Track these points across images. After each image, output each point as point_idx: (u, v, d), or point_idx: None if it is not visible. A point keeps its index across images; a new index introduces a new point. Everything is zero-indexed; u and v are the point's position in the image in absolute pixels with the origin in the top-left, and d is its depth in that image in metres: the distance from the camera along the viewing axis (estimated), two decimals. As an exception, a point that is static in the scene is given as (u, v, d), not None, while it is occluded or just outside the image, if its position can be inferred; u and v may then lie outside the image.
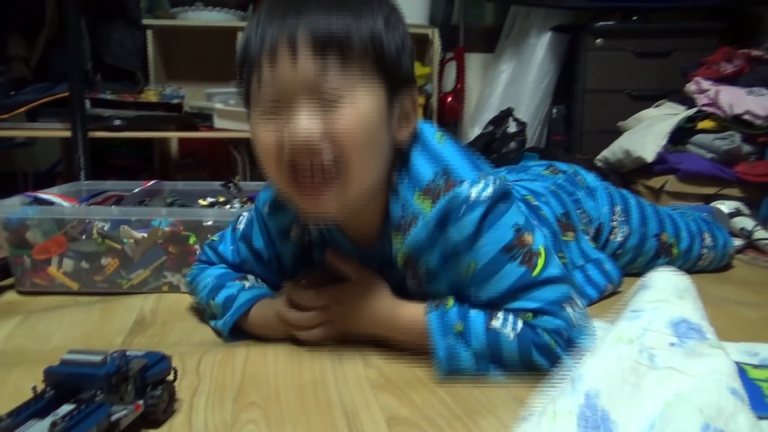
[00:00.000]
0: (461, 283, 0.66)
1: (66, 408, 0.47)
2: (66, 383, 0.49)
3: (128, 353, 0.52)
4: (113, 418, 0.47)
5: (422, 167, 0.64)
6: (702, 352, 0.50)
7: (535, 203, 0.87)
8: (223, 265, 0.80)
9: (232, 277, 0.78)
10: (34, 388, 0.48)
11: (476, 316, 0.63)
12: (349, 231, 0.71)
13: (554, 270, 0.64)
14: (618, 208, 0.99)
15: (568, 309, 0.62)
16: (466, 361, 0.62)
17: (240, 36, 2.18)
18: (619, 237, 0.98)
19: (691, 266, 1.05)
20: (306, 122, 0.58)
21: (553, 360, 0.60)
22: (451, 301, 0.65)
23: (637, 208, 1.01)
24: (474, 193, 0.62)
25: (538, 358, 0.61)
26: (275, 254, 0.77)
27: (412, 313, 0.66)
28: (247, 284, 0.76)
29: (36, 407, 0.47)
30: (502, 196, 0.64)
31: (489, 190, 0.62)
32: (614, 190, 1.02)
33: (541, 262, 0.63)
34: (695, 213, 1.16)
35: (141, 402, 0.50)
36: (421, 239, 0.64)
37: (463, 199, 0.62)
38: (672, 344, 0.51)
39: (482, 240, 0.62)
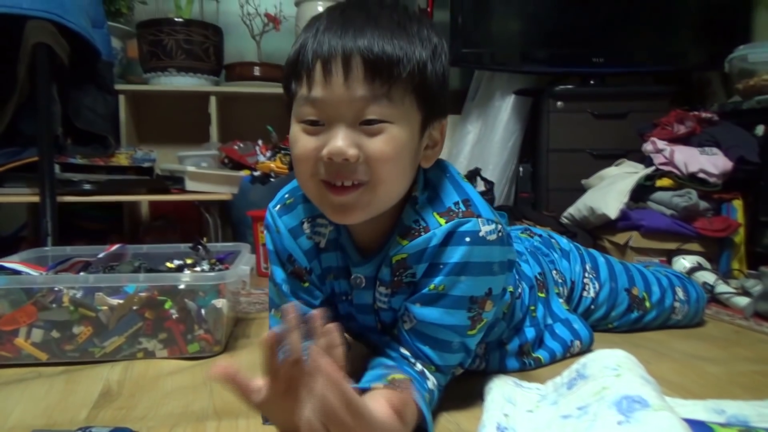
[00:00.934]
0: (409, 299, 0.70)
1: None
2: None
3: (93, 431, 0.51)
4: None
5: (448, 194, 0.69)
6: (649, 419, 0.53)
7: (516, 260, 0.91)
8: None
9: None
10: None
11: (421, 380, 0.66)
12: (358, 235, 0.73)
13: (474, 341, 0.71)
14: (588, 266, 1.04)
15: (453, 371, 0.72)
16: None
17: (213, 100, 2.23)
18: (591, 293, 1.02)
19: (665, 320, 1.09)
20: (345, 146, 0.60)
21: None
22: (400, 376, 0.65)
23: (606, 265, 1.06)
24: (483, 231, 0.66)
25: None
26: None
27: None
28: None
29: None
30: (510, 263, 0.71)
31: (494, 236, 0.66)
32: (584, 251, 1.07)
33: (478, 327, 0.69)
34: (668, 270, 1.21)
35: None
36: (426, 245, 0.66)
37: (472, 229, 0.65)
38: (620, 422, 0.54)
39: (464, 276, 0.66)
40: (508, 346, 0.85)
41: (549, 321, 0.92)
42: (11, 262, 1.01)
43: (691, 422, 0.57)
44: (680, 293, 1.09)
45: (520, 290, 0.87)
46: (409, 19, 0.64)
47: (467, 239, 0.65)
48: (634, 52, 2.24)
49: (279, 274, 0.77)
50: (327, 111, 0.61)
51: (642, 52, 2.23)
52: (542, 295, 0.92)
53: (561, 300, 0.96)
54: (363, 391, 0.62)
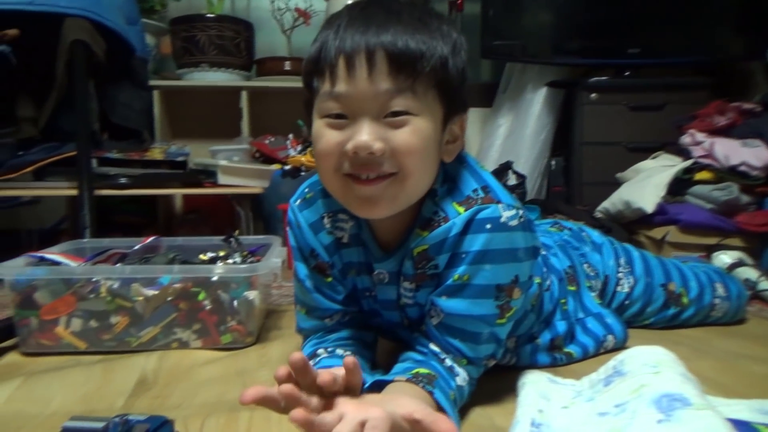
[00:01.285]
0: (434, 292, 0.69)
1: None
2: None
3: (130, 418, 0.51)
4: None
5: (466, 182, 0.69)
6: (690, 418, 0.51)
7: (544, 253, 0.89)
8: (309, 341, 0.78)
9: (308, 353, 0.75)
10: None
11: (449, 377, 0.65)
12: (379, 230, 0.73)
13: (504, 331, 0.70)
14: (622, 260, 1.01)
15: (485, 363, 0.70)
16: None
17: (244, 95, 2.25)
18: (625, 288, 1.00)
19: (704, 317, 1.05)
20: (371, 140, 0.60)
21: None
22: (425, 371, 0.64)
23: (640, 259, 1.03)
24: (504, 216, 0.65)
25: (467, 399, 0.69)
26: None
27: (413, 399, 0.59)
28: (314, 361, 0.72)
29: None
30: (535, 250, 0.69)
31: (516, 222, 0.65)
32: (618, 245, 1.04)
33: (507, 316, 0.68)
34: (706, 265, 1.17)
35: None
36: (446, 235, 0.66)
37: (492, 216, 0.65)
38: (659, 421, 0.52)
39: (488, 264, 0.65)
40: (539, 340, 0.83)
41: (580, 315, 0.90)
42: (52, 254, 1.04)
43: (735, 422, 0.55)
44: (720, 289, 1.06)
45: (548, 282, 0.85)
46: (429, 15, 0.64)
47: (488, 226, 0.64)
48: (671, 42, 2.17)
49: (302, 270, 0.77)
50: (351, 105, 0.61)
51: (679, 43, 2.17)
52: (573, 288, 0.90)
53: (593, 294, 0.94)
54: (385, 382, 0.63)
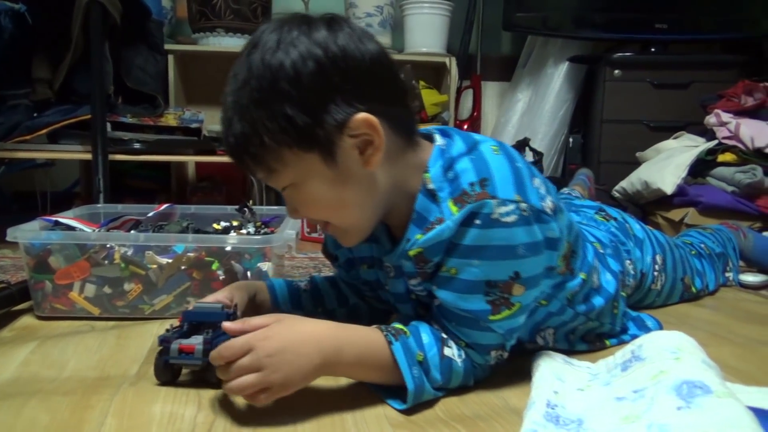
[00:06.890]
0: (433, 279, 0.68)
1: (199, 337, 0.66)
2: (196, 320, 0.68)
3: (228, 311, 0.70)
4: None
5: (467, 173, 0.64)
6: (712, 406, 0.50)
7: (602, 252, 0.86)
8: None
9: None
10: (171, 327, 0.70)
11: (429, 343, 0.65)
12: (390, 224, 0.73)
13: (501, 326, 0.65)
14: (658, 257, 0.99)
15: (493, 353, 0.68)
16: (429, 392, 0.64)
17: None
18: (658, 285, 1.00)
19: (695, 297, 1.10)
20: (288, 212, 0.70)
21: (473, 383, 0.69)
22: (399, 326, 0.66)
23: (670, 253, 1.02)
24: (497, 212, 0.61)
25: (469, 382, 0.68)
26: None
27: (364, 341, 0.63)
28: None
29: (179, 333, 0.68)
30: (550, 241, 0.66)
31: (512, 218, 0.61)
32: (654, 238, 1.01)
33: (506, 313, 0.65)
34: (693, 238, 1.20)
35: None
36: (440, 238, 0.63)
37: (483, 212, 0.61)
38: (679, 408, 0.51)
39: (476, 260, 0.62)
40: (581, 336, 0.81)
41: (624, 319, 0.87)
42: (66, 218, 1.04)
43: (756, 411, 0.54)
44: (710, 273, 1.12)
45: (596, 278, 0.80)
46: (250, 80, 0.62)
47: (477, 222, 0.61)
48: (700, 18, 2.11)
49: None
50: None
51: (709, 19, 2.11)
52: (624, 293, 0.88)
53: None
54: None
